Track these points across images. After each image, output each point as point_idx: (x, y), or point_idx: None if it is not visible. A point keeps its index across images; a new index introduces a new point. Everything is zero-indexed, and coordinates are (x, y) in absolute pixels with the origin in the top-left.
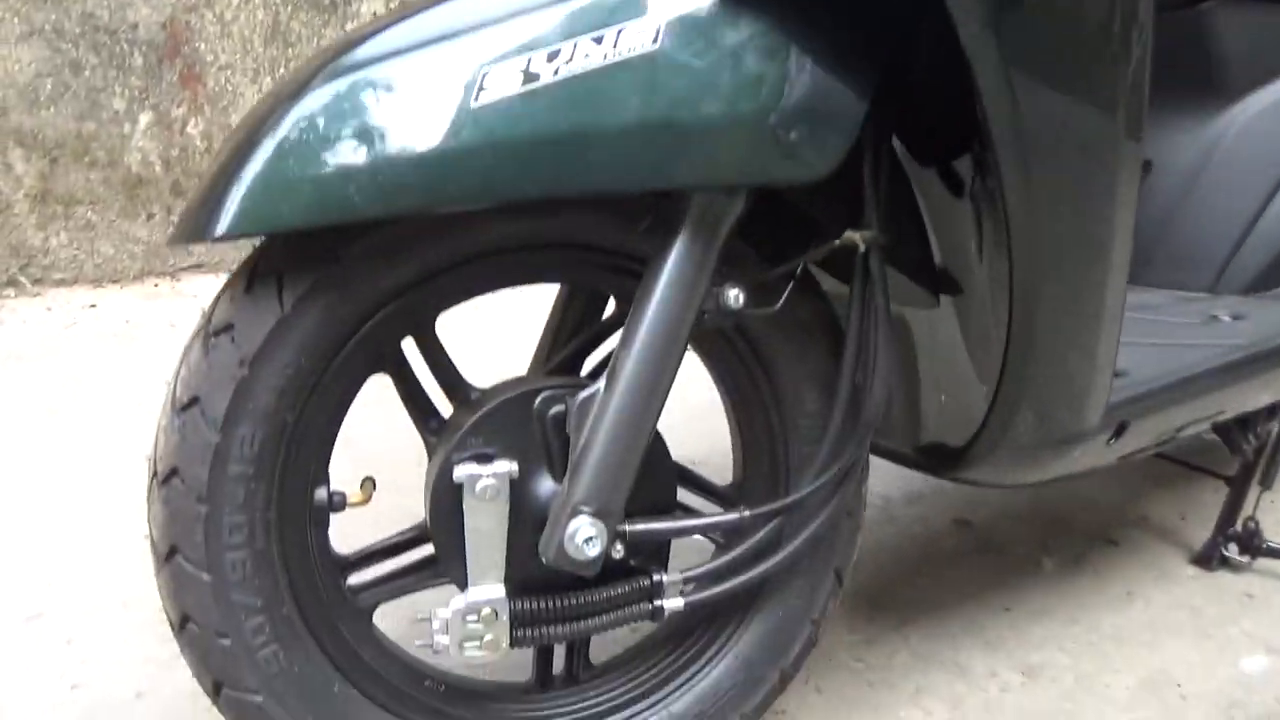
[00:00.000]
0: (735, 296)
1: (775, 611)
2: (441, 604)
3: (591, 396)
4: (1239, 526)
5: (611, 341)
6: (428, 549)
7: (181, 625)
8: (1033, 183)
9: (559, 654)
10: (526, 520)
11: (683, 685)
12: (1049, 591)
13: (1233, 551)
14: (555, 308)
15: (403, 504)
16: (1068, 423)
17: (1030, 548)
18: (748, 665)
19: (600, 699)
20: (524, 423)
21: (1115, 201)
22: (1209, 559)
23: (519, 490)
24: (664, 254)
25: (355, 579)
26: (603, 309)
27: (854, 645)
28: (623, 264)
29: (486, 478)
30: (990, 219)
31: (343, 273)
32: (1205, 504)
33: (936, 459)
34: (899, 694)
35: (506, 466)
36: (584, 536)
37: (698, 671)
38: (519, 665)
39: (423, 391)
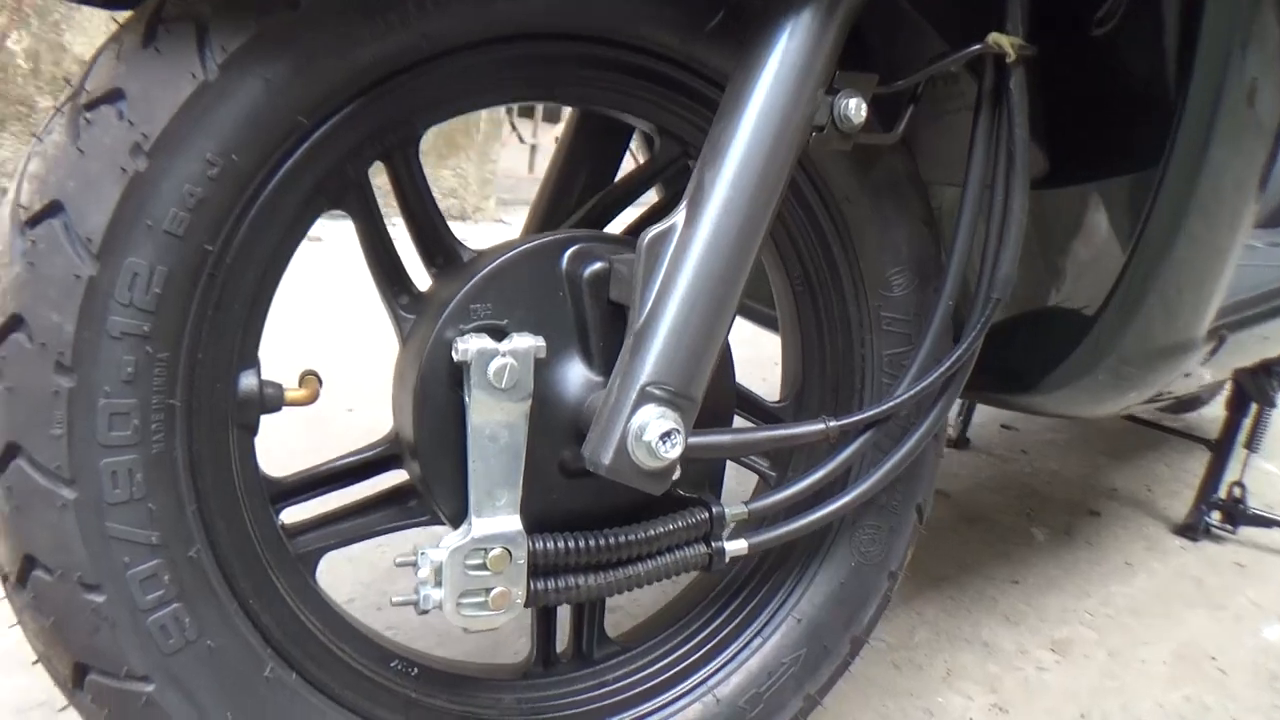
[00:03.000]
0: (856, 107)
1: (846, 561)
2: (427, 544)
3: (666, 233)
4: (1222, 494)
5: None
6: (396, 474)
7: (22, 575)
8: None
9: (563, 623)
10: (550, 422)
11: (730, 661)
12: (1050, 563)
13: (1215, 520)
14: (557, 160)
15: (358, 410)
16: (1184, 325)
17: (1015, 518)
18: (813, 632)
19: (622, 682)
20: (547, 287)
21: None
22: (1194, 529)
23: (542, 378)
24: (766, 37)
25: (292, 515)
26: (617, 163)
27: None
28: (675, 78)
29: (503, 356)
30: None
31: (306, 27)
32: (1162, 476)
33: (1013, 375)
34: (930, 676)
35: (531, 341)
36: (660, 431)
37: (749, 642)
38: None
39: (392, 247)
